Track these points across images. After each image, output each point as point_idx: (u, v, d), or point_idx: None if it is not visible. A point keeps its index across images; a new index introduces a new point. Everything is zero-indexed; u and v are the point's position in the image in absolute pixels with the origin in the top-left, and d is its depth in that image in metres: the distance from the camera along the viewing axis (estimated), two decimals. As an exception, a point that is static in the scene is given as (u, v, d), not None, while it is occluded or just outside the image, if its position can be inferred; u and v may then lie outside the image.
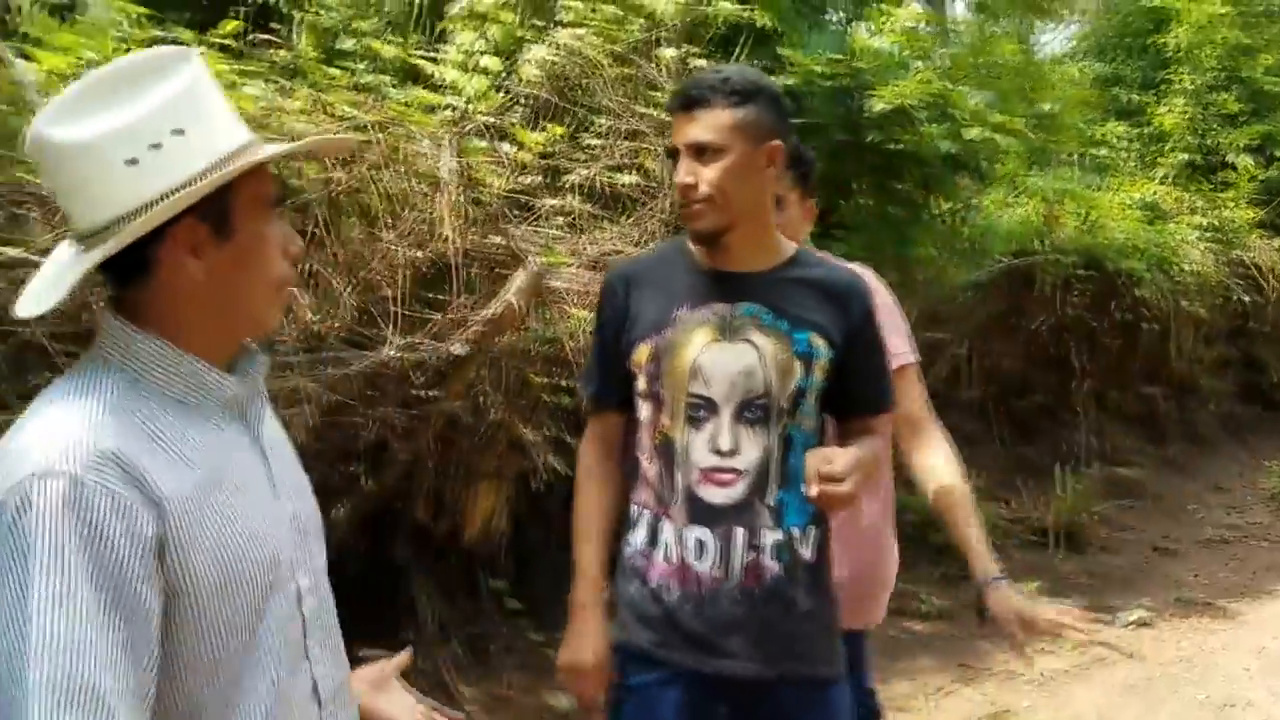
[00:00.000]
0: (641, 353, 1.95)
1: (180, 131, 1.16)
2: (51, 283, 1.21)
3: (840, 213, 4.97)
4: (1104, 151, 8.47)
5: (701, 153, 1.88)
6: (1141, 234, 7.25)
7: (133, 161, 1.14)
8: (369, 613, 2.78)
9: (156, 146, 1.15)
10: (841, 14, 5.37)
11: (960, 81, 4.96)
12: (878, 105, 4.61)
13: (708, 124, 1.87)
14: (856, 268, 2.22)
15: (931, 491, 2.26)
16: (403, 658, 1.54)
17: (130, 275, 1.20)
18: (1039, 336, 7.08)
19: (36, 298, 1.20)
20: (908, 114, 4.66)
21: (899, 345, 2.33)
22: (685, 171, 1.89)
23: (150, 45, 2.92)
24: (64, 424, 1.11)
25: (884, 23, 4.83)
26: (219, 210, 1.19)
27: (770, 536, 1.90)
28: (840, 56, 4.66)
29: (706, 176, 1.87)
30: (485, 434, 3.50)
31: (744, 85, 1.89)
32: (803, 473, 1.85)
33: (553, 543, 4.06)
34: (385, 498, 3.53)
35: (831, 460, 1.77)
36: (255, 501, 1.25)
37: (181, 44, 2.98)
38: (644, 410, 1.97)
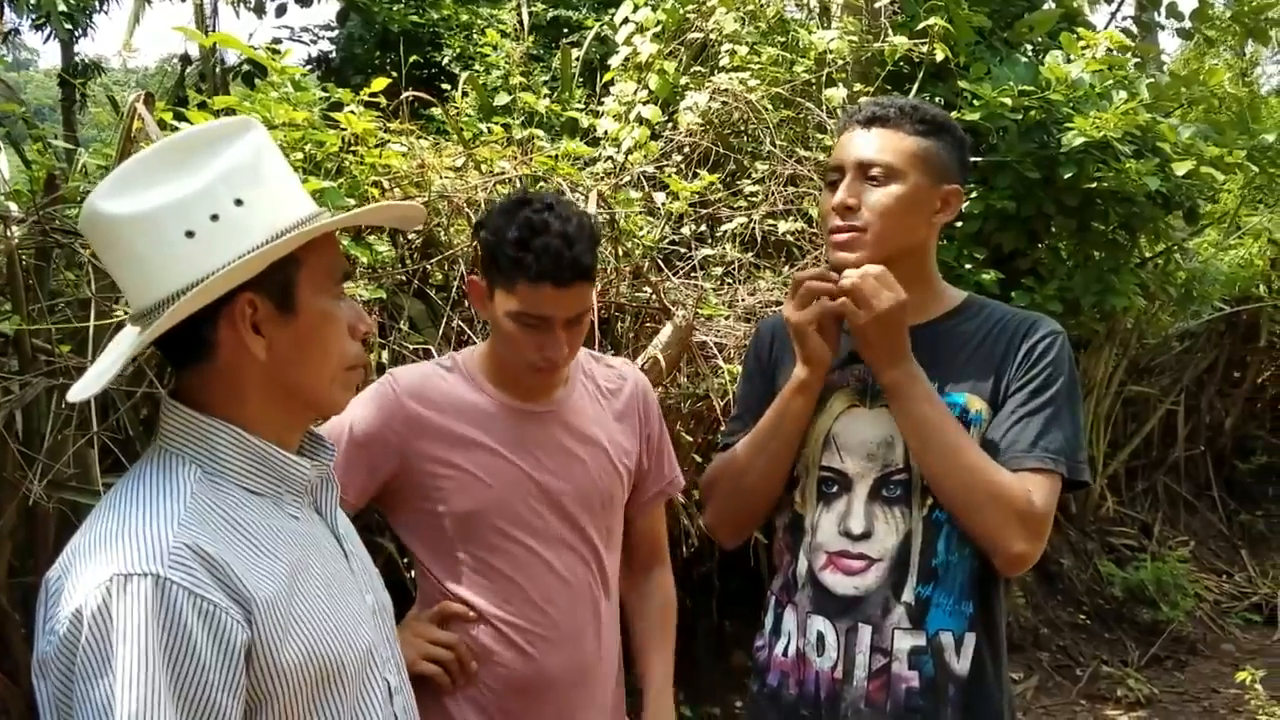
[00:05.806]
0: None
1: (240, 202, 1.10)
2: (107, 367, 1.16)
3: (1031, 258, 4.61)
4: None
5: (870, 175, 1.65)
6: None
7: (191, 234, 1.08)
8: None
9: (215, 218, 1.09)
10: (1028, 45, 4.99)
11: (1169, 113, 4.51)
12: (1075, 139, 4.24)
13: (887, 144, 1.66)
14: None
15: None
16: None
17: (189, 357, 1.14)
18: (1262, 392, 6.36)
19: (87, 383, 1.15)
20: (1109, 148, 4.27)
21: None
22: (848, 192, 1.66)
23: (313, 105, 3.00)
24: (145, 521, 1.05)
25: (1081, 50, 4.44)
26: (281, 285, 1.13)
27: (907, 641, 1.64)
28: (1030, 88, 4.33)
29: (871, 201, 1.64)
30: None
31: (934, 117, 1.69)
32: (955, 567, 1.64)
33: (710, 609, 3.90)
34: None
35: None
36: (341, 594, 1.18)
37: (341, 104, 3.05)
38: None
